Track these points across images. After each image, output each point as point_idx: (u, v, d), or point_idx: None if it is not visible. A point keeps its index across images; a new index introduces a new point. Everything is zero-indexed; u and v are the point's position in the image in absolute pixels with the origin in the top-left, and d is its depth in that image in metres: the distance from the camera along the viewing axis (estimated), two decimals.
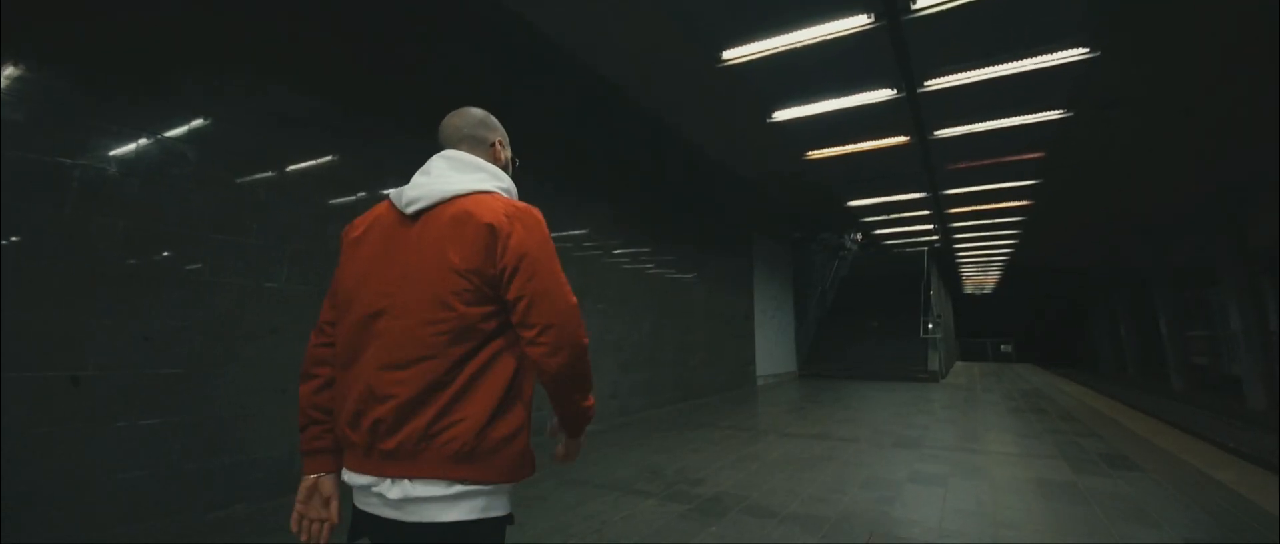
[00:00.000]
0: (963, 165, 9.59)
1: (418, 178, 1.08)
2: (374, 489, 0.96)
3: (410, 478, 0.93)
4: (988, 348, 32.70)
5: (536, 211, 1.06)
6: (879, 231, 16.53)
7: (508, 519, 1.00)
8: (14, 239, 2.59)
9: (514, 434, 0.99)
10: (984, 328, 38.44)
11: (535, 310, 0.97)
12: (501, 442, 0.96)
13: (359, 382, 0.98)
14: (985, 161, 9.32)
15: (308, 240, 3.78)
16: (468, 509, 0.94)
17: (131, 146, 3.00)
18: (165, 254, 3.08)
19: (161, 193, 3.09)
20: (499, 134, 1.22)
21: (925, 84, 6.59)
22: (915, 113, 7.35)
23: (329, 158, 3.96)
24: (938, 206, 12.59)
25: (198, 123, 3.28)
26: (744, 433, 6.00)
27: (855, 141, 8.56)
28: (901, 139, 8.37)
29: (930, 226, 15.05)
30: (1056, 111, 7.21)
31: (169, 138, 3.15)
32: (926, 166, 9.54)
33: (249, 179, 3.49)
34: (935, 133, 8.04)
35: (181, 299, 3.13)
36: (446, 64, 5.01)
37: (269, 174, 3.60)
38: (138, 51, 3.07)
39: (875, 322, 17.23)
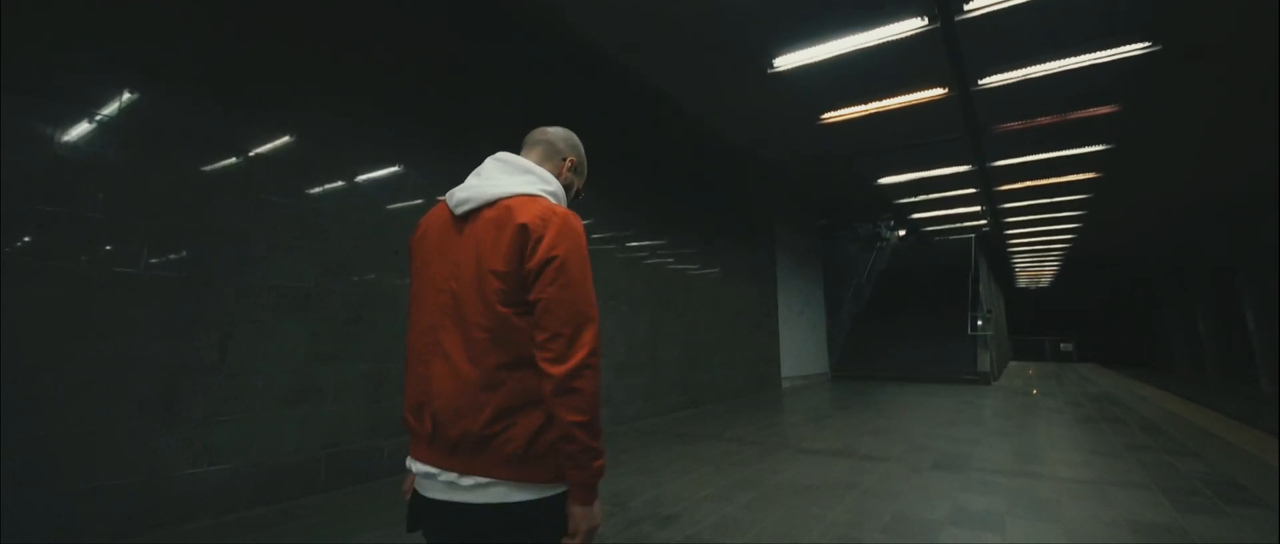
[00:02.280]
0: (1014, 126, 7.97)
1: (470, 179, 1.10)
2: (440, 478, 0.99)
3: (469, 472, 0.97)
4: (1045, 346, 30.32)
5: (575, 218, 1.03)
6: (917, 216, 14.89)
7: (561, 499, 1.00)
8: None
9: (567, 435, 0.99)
10: (1041, 325, 35.89)
11: (549, 315, 0.96)
12: (554, 445, 0.97)
13: (419, 376, 1.05)
14: (1043, 120, 7.73)
15: (180, 217, 3.07)
16: (534, 488, 0.97)
17: None
18: None
19: None
20: (576, 155, 1.23)
21: (965, 8, 5.22)
22: (953, 52, 5.96)
23: (210, 121, 3.25)
24: (985, 183, 10.91)
25: (8, 62, 2.59)
26: (750, 448, 5.06)
27: (879, 98, 7.14)
28: (937, 92, 6.93)
29: (977, 209, 13.36)
30: (1136, 46, 5.70)
31: None
32: (970, 130, 8.04)
33: (89, 139, 2.80)
34: (980, 81, 6.56)
35: None
36: (386, 20, 4.26)
37: (120, 134, 2.90)
38: None
39: (926, 300, 15.93)
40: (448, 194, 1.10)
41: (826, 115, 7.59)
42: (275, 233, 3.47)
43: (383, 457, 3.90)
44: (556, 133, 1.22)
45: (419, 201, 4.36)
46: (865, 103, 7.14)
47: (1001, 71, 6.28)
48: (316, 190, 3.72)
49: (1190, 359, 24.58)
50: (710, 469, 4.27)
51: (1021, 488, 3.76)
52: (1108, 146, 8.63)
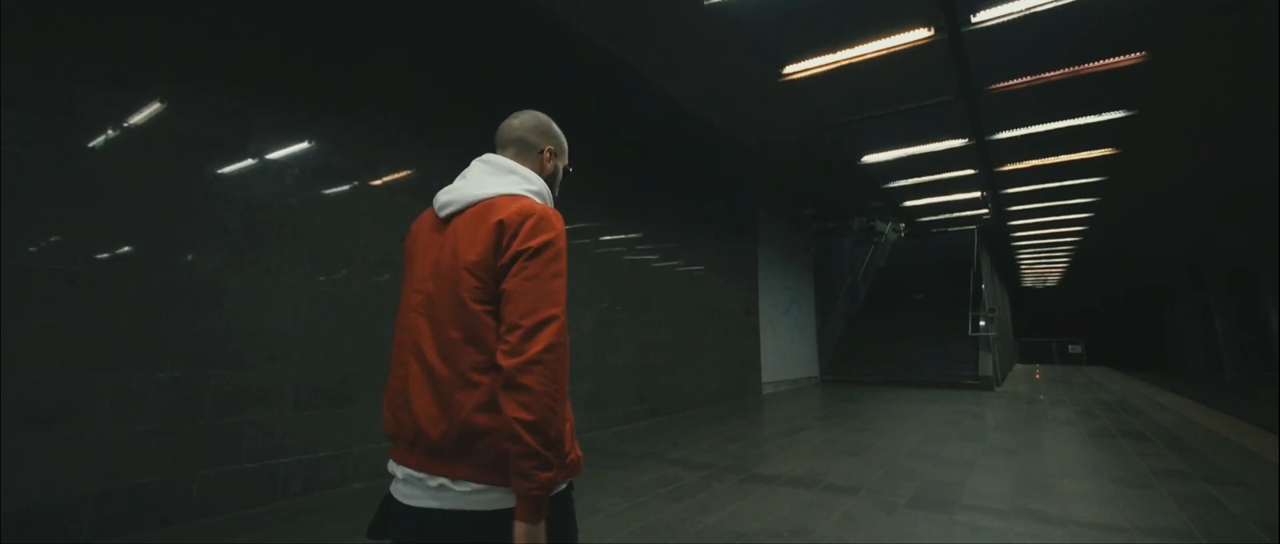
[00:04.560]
0: (1018, 84, 6.60)
1: (456, 182, 1.09)
2: (429, 482, 0.95)
3: (452, 477, 0.93)
4: (1053, 348, 29.18)
5: (555, 216, 1.00)
6: (911, 204, 13.69)
7: (564, 495, 0.98)
8: None
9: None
10: (1049, 325, 34.79)
11: (509, 305, 0.92)
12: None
13: (400, 379, 1.01)
14: (1050, 75, 6.36)
15: None
16: (503, 497, 0.92)
17: None
18: None
19: None
20: (551, 141, 1.19)
21: None
22: None
23: None
24: (985, 162, 9.81)
25: None
26: (693, 473, 4.15)
27: (849, 44, 5.83)
28: (921, 34, 5.59)
29: (977, 194, 12.24)
30: None
31: None
32: (964, 90, 6.79)
33: None
34: (973, 18, 5.27)
35: None
36: None
37: None
38: None
39: (920, 293, 14.99)
40: (435, 197, 1.08)
41: (789, 69, 6.42)
42: (19, 195, 2.59)
43: (192, 494, 3.01)
44: (524, 124, 1.16)
45: (277, 170, 3.47)
46: (833, 51, 5.98)
47: (999, 2, 5.06)
48: (98, 142, 2.83)
49: (1206, 362, 23.50)
50: (628, 504, 3.37)
51: (1023, 538, 2.84)
52: (1128, 114, 7.47)
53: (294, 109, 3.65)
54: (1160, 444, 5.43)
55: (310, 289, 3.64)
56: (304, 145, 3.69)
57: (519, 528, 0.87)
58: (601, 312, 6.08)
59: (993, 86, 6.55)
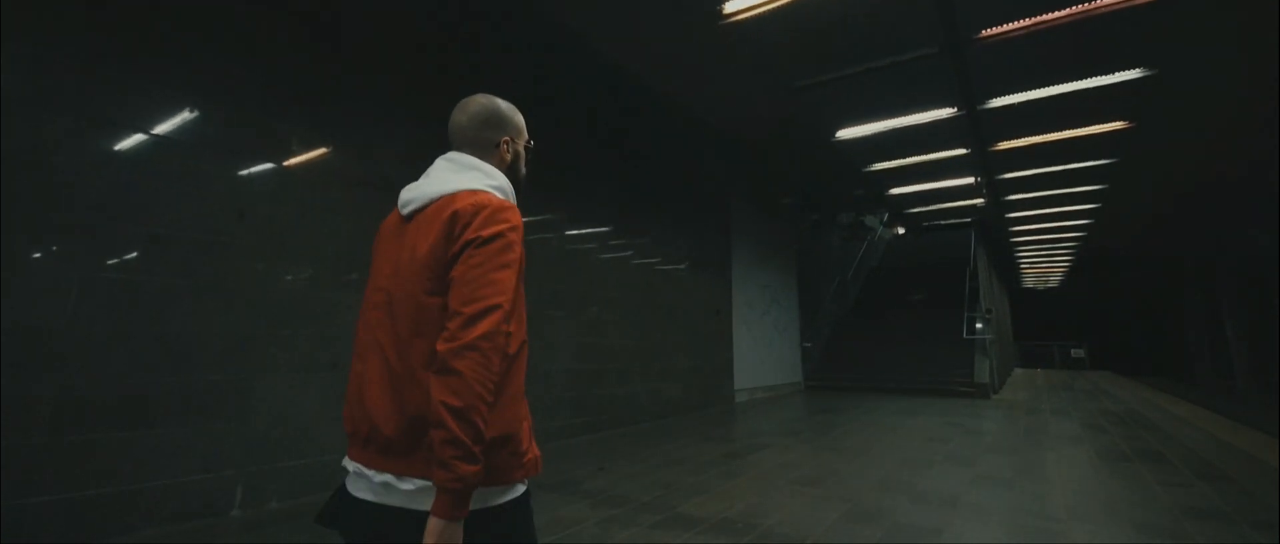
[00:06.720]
0: (1015, 28, 5.39)
1: (419, 180, 1.09)
2: (375, 479, 0.94)
3: (400, 474, 0.91)
4: (1054, 352, 28.24)
5: (510, 210, 1.00)
6: (897, 192, 12.58)
7: (523, 499, 0.97)
8: None
9: (506, 435, 0.94)
10: (1050, 328, 33.85)
11: (452, 293, 0.91)
12: (493, 443, 0.90)
13: (359, 375, 1.01)
14: (1054, 16, 5.14)
15: None
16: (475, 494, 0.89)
17: None
18: None
19: None
20: (504, 131, 1.15)
21: None
22: None
23: None
24: (978, 139, 8.67)
25: None
26: (599, 513, 3.28)
27: None
28: None
29: (972, 180, 11.21)
30: None
31: None
32: (948, 38, 5.63)
33: None
34: None
35: None
36: None
37: None
38: None
39: (916, 294, 14.15)
40: (399, 195, 1.08)
41: (730, 8, 5.29)
42: None
43: None
44: (472, 121, 1.13)
45: (33, 118, 2.62)
46: None
47: None
48: None
49: (1216, 367, 22.55)
50: None
51: None
52: (1146, 73, 6.34)
53: (66, 40, 2.80)
54: (1186, 470, 4.55)
55: (85, 274, 2.78)
56: (84, 86, 2.84)
57: (432, 523, 0.81)
58: (532, 311, 5.22)
59: (983, 33, 5.49)
